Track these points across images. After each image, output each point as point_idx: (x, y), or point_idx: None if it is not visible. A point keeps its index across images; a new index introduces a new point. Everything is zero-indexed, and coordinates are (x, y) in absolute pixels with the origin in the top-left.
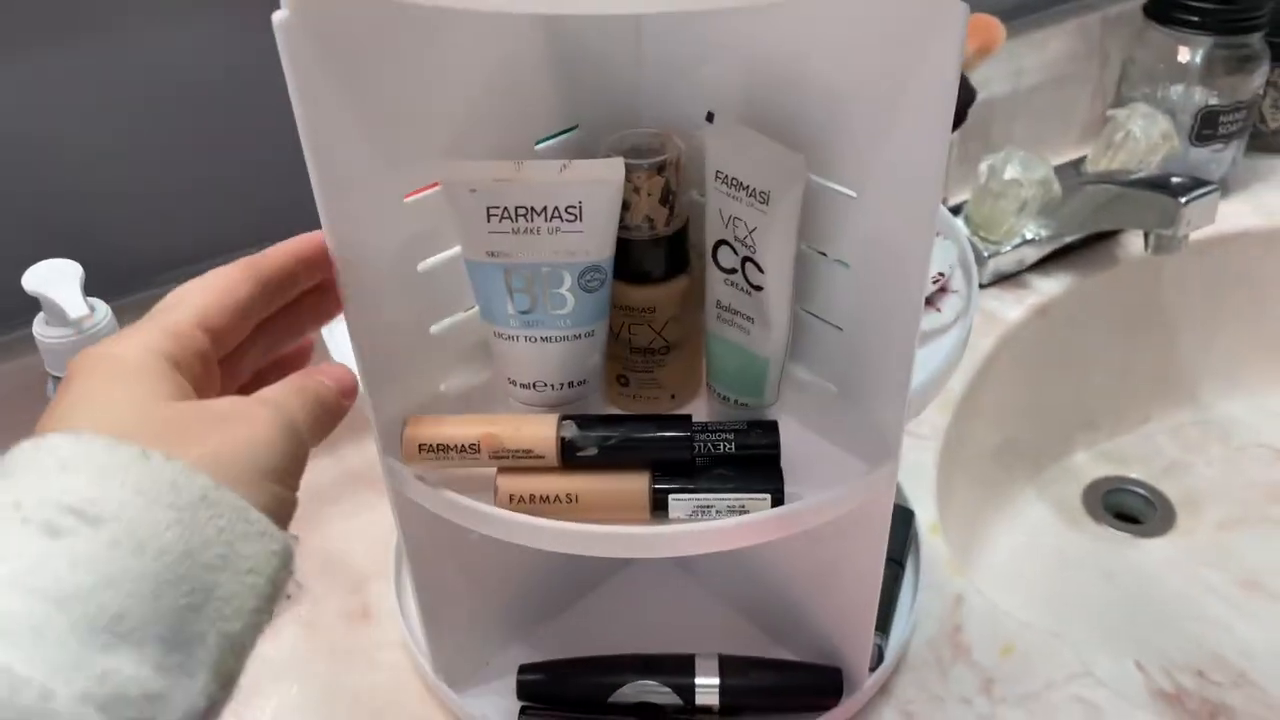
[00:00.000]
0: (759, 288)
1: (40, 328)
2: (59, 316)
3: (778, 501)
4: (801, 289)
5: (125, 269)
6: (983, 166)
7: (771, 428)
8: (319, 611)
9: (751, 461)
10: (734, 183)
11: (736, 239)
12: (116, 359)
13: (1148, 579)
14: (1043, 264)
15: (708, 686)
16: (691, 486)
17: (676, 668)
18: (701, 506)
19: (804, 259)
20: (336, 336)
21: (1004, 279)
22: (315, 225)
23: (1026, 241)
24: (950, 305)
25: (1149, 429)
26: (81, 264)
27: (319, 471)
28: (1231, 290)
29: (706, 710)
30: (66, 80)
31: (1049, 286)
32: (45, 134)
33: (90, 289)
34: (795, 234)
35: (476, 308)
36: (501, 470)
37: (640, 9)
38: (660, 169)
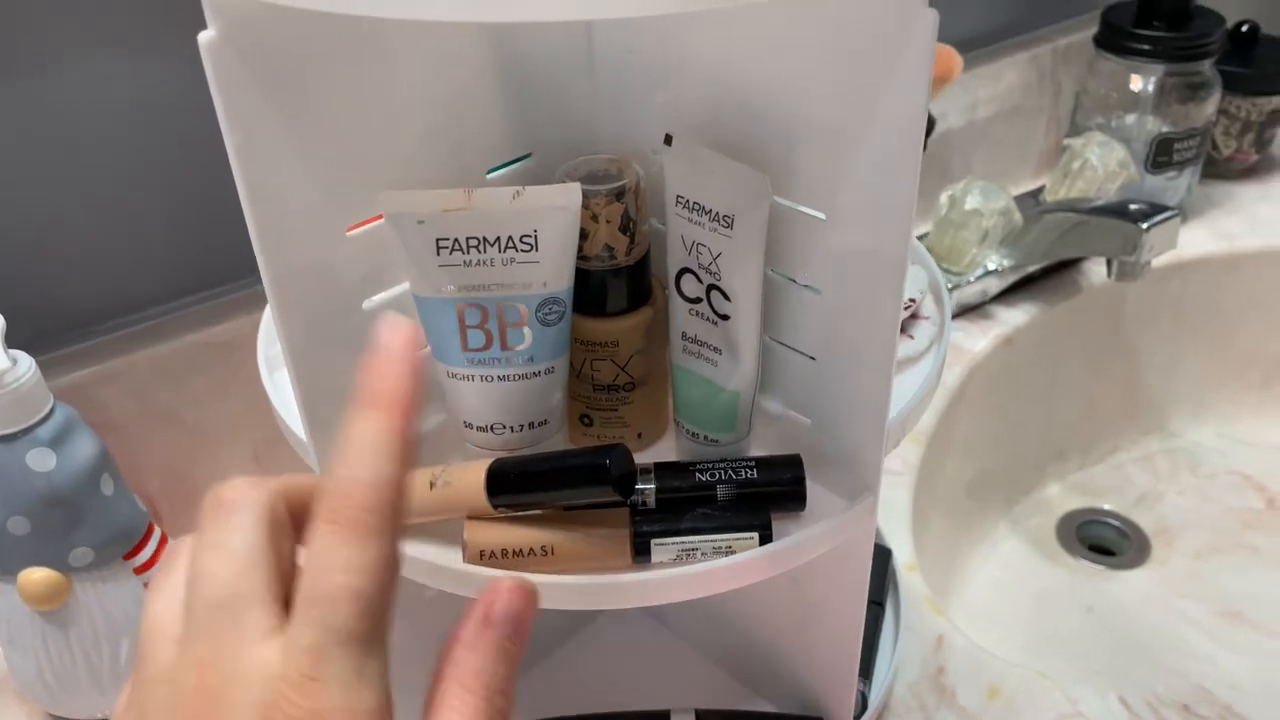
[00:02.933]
0: (726, 316)
1: None
2: None
3: (766, 539)
4: (770, 317)
5: (51, 320)
6: (943, 197)
7: (795, 462)
8: None
9: (736, 499)
10: (695, 206)
11: (700, 266)
12: None
13: (1127, 612)
14: (1006, 294)
15: None
16: (674, 529)
17: None
18: (686, 550)
19: (772, 286)
20: (279, 383)
21: (968, 310)
22: (257, 267)
23: (989, 272)
24: (923, 331)
25: (1118, 459)
26: (3, 314)
27: None
28: (1193, 317)
29: None
30: None
31: (1013, 317)
32: None
33: (19, 339)
34: (762, 258)
35: (427, 347)
36: (470, 520)
37: (558, 15)
38: (619, 195)
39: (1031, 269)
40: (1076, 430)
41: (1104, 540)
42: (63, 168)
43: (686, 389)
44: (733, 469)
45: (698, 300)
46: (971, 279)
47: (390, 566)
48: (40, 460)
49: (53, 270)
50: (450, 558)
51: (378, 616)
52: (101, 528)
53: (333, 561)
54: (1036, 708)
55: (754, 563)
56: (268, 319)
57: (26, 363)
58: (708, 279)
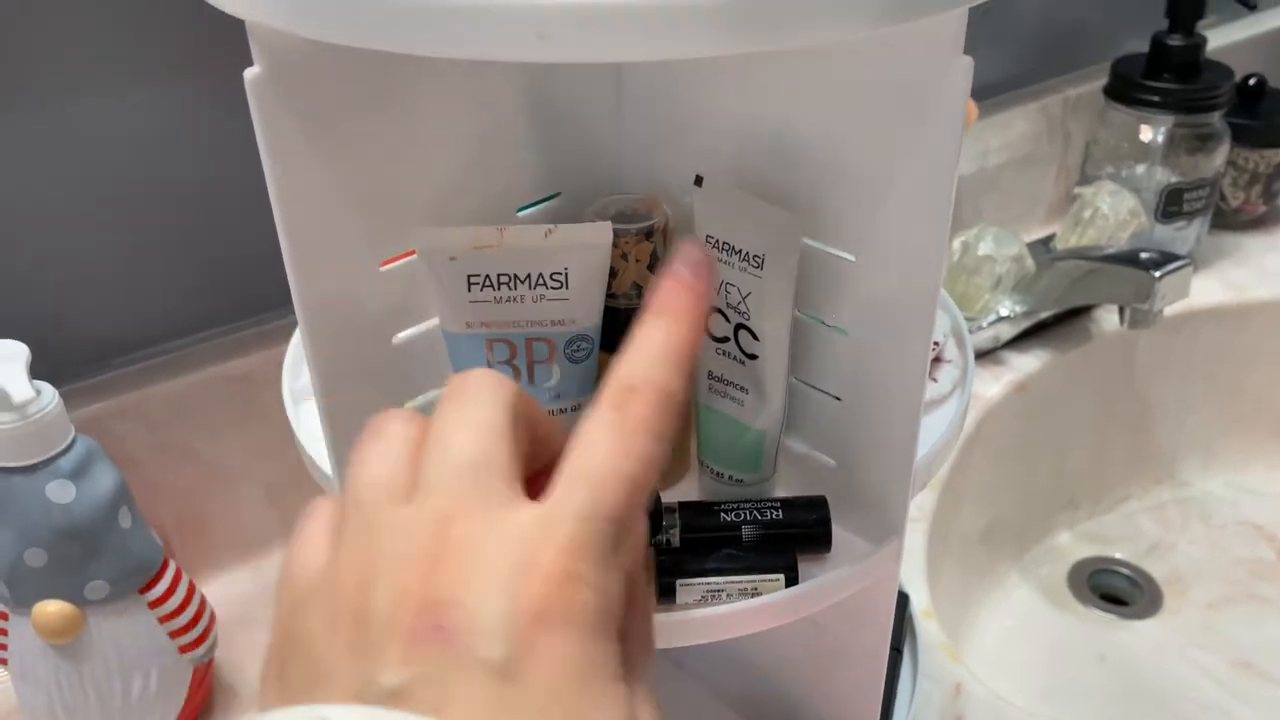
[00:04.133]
0: (753, 356)
1: None
2: (2, 400)
3: (792, 581)
4: (797, 357)
5: (68, 353)
6: (956, 243)
7: (820, 504)
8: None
9: (761, 540)
10: (725, 247)
11: (729, 305)
12: None
13: (1139, 662)
14: (1018, 341)
15: None
16: (700, 569)
17: None
18: (712, 591)
19: (799, 326)
20: (304, 416)
21: (980, 356)
22: (282, 302)
23: (1002, 318)
24: (946, 375)
25: (1129, 508)
26: (27, 345)
27: (275, 567)
28: (1204, 366)
29: None
30: (14, 151)
31: (1026, 363)
32: None
33: (36, 372)
34: (791, 298)
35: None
36: None
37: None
38: (648, 234)
39: (1044, 315)
40: (1088, 478)
41: (1116, 590)
42: (81, 202)
43: (712, 428)
44: (758, 510)
45: (725, 340)
46: (984, 325)
47: (656, 472)
48: (60, 492)
49: (70, 303)
50: None
51: (638, 512)
52: (118, 561)
53: (613, 445)
54: None
55: (780, 605)
56: (293, 352)
57: (49, 394)
58: (736, 318)
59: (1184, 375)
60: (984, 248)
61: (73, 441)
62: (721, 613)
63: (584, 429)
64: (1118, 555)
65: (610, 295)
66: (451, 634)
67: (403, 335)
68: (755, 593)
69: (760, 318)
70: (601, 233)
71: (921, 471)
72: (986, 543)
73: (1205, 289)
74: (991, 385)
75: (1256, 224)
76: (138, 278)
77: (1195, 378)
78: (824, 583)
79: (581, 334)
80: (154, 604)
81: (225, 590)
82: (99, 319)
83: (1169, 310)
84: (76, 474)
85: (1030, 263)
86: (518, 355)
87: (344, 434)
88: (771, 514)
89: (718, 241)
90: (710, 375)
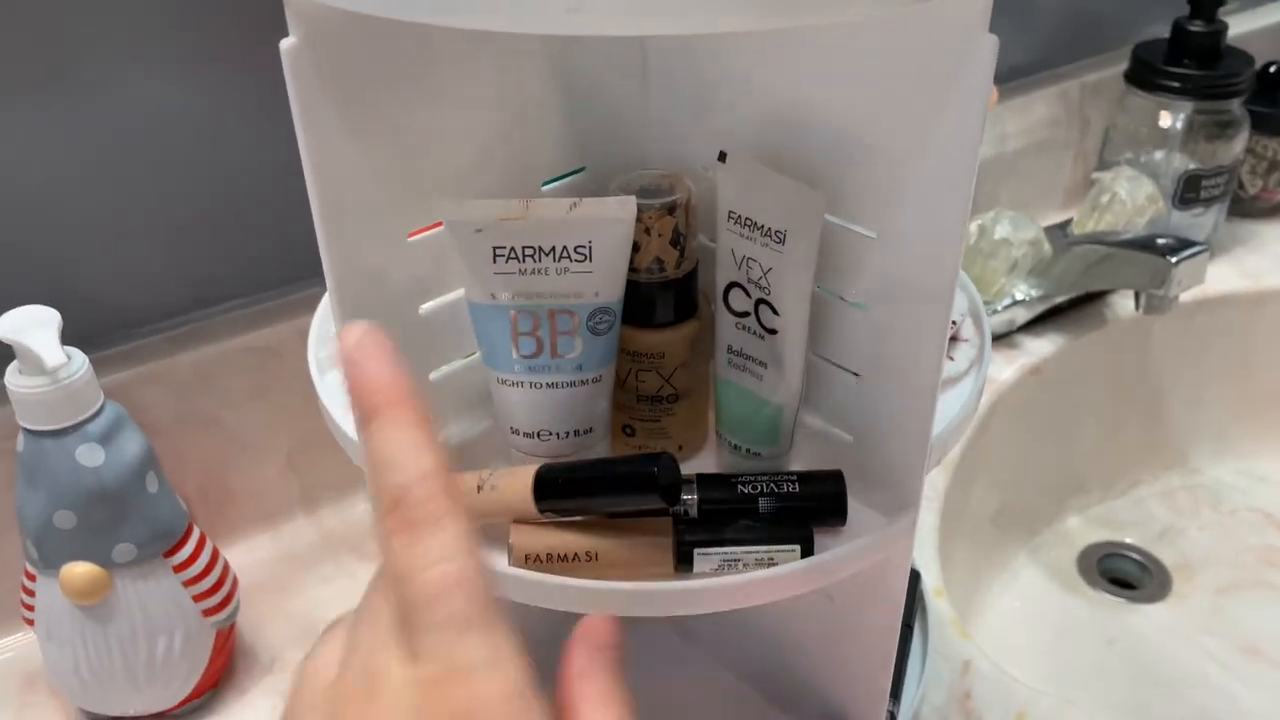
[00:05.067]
0: (773, 331)
1: (13, 377)
2: (34, 365)
3: (807, 552)
4: (816, 333)
5: (95, 321)
6: (972, 227)
7: (836, 477)
8: None
9: (777, 512)
10: (748, 222)
11: (750, 281)
12: None
13: (1147, 646)
14: (1033, 324)
15: None
16: (718, 539)
17: None
18: (728, 560)
19: (818, 302)
20: (329, 384)
21: (995, 339)
22: (303, 275)
23: (1017, 302)
24: (963, 354)
25: (1140, 493)
26: (59, 312)
27: (295, 534)
28: (1218, 353)
29: None
30: (45, 125)
31: (1040, 347)
32: (22, 179)
33: (67, 338)
34: (812, 274)
35: (477, 354)
36: (516, 524)
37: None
38: (671, 209)
39: (1059, 300)
40: (1099, 463)
41: (1125, 574)
42: (111, 174)
43: (730, 402)
44: (774, 482)
45: (745, 314)
46: (999, 308)
47: (471, 544)
48: (90, 456)
49: (98, 273)
50: (496, 561)
51: (486, 595)
52: (145, 525)
53: (419, 560)
54: None
55: (795, 575)
56: (318, 321)
57: (80, 359)
58: (757, 293)
59: (1197, 362)
60: (1000, 231)
61: (102, 407)
62: (737, 582)
63: (386, 565)
64: (1128, 540)
65: (632, 269)
66: None
67: (429, 305)
68: (771, 563)
69: (781, 293)
70: (626, 207)
71: (937, 448)
72: (997, 524)
73: (1221, 276)
74: (1005, 368)
75: (1274, 212)
76: (165, 250)
77: (1209, 364)
78: (839, 554)
79: (604, 307)
80: (179, 568)
81: (246, 556)
82: (127, 288)
83: (1184, 296)
84: (105, 438)
85: (1047, 247)
86: (540, 326)
87: None
88: (788, 487)
89: (740, 217)
90: (730, 350)
